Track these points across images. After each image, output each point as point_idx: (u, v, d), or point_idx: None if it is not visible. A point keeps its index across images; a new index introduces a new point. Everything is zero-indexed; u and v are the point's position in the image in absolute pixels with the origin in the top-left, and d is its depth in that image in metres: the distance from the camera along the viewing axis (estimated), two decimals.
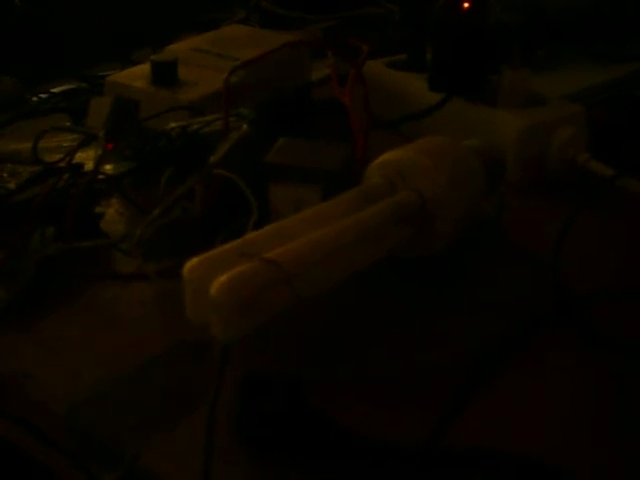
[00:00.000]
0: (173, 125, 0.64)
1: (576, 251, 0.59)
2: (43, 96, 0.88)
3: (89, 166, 0.66)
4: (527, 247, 0.64)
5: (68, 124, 0.81)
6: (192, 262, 0.47)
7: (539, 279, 0.59)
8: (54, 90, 0.89)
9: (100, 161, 0.62)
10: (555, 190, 0.70)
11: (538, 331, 0.54)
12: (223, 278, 0.45)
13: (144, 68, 0.78)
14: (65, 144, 0.76)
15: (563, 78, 0.83)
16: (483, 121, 0.72)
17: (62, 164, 0.67)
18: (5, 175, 0.66)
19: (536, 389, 0.50)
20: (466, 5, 0.73)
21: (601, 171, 0.68)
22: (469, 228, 0.59)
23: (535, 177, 0.71)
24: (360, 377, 0.51)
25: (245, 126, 0.61)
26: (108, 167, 0.71)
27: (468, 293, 0.59)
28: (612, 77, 0.84)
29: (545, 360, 0.52)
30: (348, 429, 0.46)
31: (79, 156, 0.68)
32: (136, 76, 0.78)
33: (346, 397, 0.49)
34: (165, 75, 0.75)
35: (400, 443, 0.45)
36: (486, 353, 0.52)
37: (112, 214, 0.68)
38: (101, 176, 0.68)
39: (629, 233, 0.65)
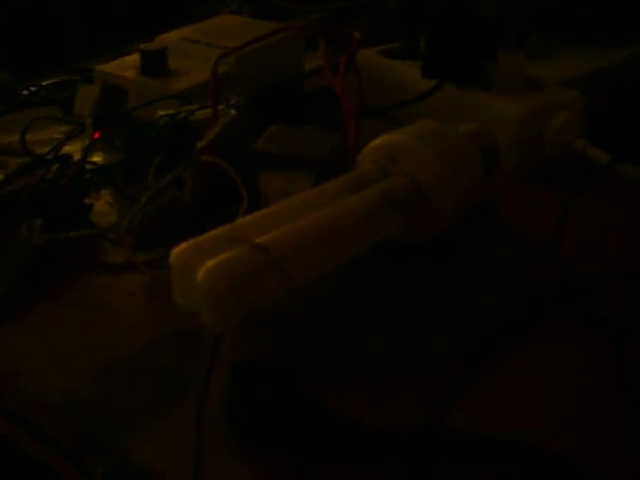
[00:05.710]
0: (161, 113, 0.64)
1: (574, 236, 0.59)
2: (33, 89, 0.87)
3: (78, 157, 0.65)
4: (525, 232, 0.63)
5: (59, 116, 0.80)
6: (179, 248, 0.46)
7: (538, 263, 0.59)
8: (44, 83, 0.88)
9: (88, 149, 0.61)
10: (552, 176, 0.69)
11: (539, 315, 0.53)
12: (211, 264, 0.44)
13: (134, 58, 0.77)
14: (56, 136, 0.75)
15: (558, 64, 0.82)
16: (478, 107, 0.71)
17: (50, 155, 0.66)
18: None
19: (537, 373, 0.50)
20: None
21: (598, 156, 0.67)
22: (465, 213, 0.58)
23: (532, 163, 0.70)
24: (357, 365, 0.50)
25: (233, 111, 0.60)
26: (98, 158, 0.71)
27: (466, 279, 0.58)
28: (608, 62, 0.83)
29: (546, 344, 0.52)
30: (345, 418, 0.45)
31: (69, 148, 0.67)
32: (126, 66, 0.77)
33: (343, 386, 0.48)
34: (155, 64, 0.74)
35: (398, 432, 0.44)
36: (486, 338, 0.51)
37: (102, 205, 0.67)
38: (91, 166, 0.68)
39: (626, 218, 0.64)
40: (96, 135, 0.62)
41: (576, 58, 0.84)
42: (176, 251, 0.46)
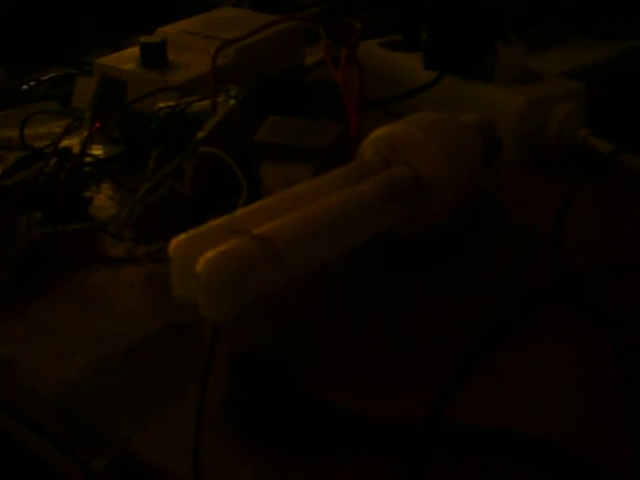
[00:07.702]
0: (161, 105, 0.63)
1: (575, 227, 0.58)
2: (32, 84, 0.87)
3: (77, 150, 0.65)
4: (526, 224, 0.63)
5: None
6: (178, 239, 0.46)
7: (538, 255, 0.58)
8: (44, 77, 0.88)
9: (87, 141, 0.61)
10: (554, 166, 0.69)
11: (538, 307, 0.53)
12: (210, 255, 0.44)
13: (134, 51, 0.77)
14: (55, 130, 0.75)
15: (560, 56, 0.82)
16: (480, 98, 0.71)
17: (49, 149, 0.66)
18: None
19: (536, 367, 0.49)
20: None
21: (601, 147, 0.66)
22: (467, 204, 0.58)
23: (534, 153, 0.70)
24: (356, 357, 0.50)
25: (232, 101, 0.60)
26: (97, 151, 0.70)
27: (466, 270, 0.58)
28: (609, 55, 0.83)
29: (546, 337, 0.51)
30: (345, 411, 0.45)
31: (68, 142, 0.67)
32: (125, 58, 0.77)
33: (342, 378, 0.48)
34: (154, 57, 0.74)
35: (399, 425, 0.44)
36: (485, 330, 0.51)
37: (102, 199, 0.67)
38: (90, 159, 0.67)
39: (628, 209, 0.64)
40: (96, 125, 0.61)
41: (577, 50, 0.84)
42: (175, 242, 0.46)
